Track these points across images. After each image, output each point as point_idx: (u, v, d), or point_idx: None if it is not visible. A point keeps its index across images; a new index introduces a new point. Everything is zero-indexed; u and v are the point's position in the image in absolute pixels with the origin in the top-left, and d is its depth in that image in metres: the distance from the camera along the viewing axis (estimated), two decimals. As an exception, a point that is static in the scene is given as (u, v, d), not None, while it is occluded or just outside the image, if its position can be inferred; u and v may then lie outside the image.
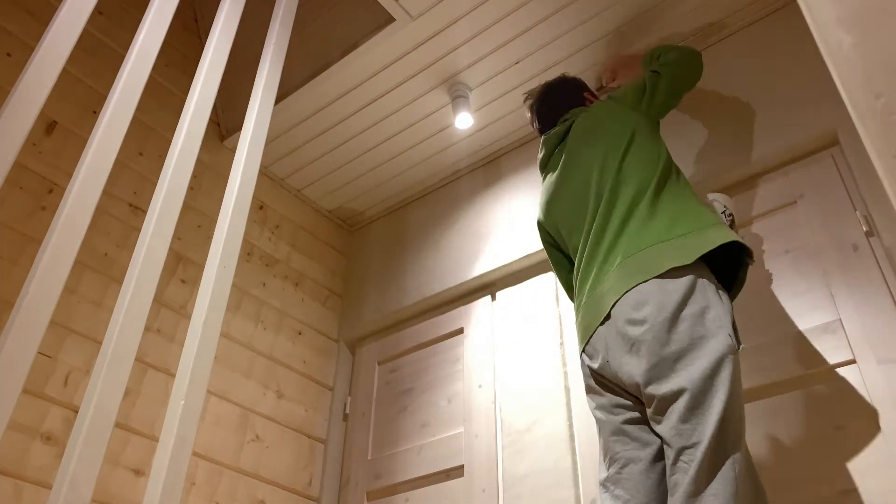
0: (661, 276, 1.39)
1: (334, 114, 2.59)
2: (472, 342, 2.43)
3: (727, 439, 1.25)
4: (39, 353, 1.89)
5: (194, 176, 2.50)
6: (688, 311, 1.35)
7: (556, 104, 1.92)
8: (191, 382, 1.12)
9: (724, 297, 1.42)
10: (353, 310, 2.83)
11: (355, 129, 2.65)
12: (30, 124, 1.11)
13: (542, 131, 1.94)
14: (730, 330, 1.35)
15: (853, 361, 1.63)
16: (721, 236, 1.44)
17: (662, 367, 1.33)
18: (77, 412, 1.58)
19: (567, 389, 2.08)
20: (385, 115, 2.59)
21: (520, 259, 2.39)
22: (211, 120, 2.64)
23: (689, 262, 1.39)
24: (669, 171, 1.59)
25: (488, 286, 2.51)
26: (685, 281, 1.38)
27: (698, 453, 1.24)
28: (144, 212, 2.27)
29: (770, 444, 1.65)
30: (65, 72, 2.23)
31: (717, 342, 1.32)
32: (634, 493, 1.37)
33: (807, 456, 1.60)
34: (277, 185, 2.87)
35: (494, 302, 2.46)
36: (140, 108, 2.38)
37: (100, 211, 2.17)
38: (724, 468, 1.23)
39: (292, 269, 2.76)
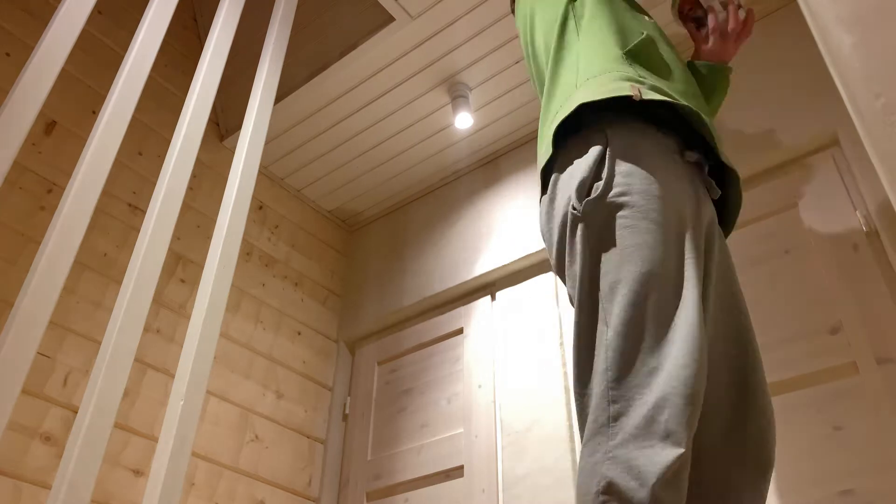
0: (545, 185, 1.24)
1: (334, 114, 2.59)
2: (472, 342, 2.42)
3: (604, 313, 1.03)
4: (39, 353, 1.89)
5: (194, 176, 2.50)
6: (547, 209, 1.20)
7: None
8: (190, 383, 1.12)
9: (587, 159, 1.13)
10: (353, 310, 2.83)
11: (355, 128, 2.65)
12: (29, 124, 1.11)
13: None
14: (572, 198, 1.11)
15: (853, 361, 1.63)
16: (574, 101, 1.16)
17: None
18: (76, 412, 1.58)
19: (567, 389, 2.07)
20: (385, 115, 2.59)
21: (520, 259, 2.39)
22: (210, 120, 2.64)
23: (552, 153, 1.22)
24: (565, 30, 1.31)
25: (488, 286, 2.51)
26: (552, 180, 1.20)
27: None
28: (144, 212, 2.27)
29: (770, 445, 1.65)
30: (64, 72, 2.23)
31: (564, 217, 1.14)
32: None
33: (807, 456, 1.60)
34: (277, 184, 2.87)
35: (494, 302, 2.46)
36: (139, 107, 2.41)
37: (99, 211, 2.17)
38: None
39: (292, 269, 2.76)
